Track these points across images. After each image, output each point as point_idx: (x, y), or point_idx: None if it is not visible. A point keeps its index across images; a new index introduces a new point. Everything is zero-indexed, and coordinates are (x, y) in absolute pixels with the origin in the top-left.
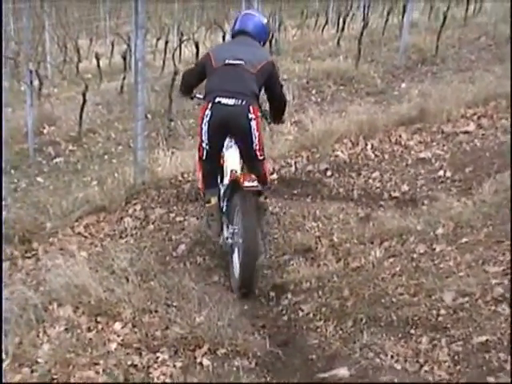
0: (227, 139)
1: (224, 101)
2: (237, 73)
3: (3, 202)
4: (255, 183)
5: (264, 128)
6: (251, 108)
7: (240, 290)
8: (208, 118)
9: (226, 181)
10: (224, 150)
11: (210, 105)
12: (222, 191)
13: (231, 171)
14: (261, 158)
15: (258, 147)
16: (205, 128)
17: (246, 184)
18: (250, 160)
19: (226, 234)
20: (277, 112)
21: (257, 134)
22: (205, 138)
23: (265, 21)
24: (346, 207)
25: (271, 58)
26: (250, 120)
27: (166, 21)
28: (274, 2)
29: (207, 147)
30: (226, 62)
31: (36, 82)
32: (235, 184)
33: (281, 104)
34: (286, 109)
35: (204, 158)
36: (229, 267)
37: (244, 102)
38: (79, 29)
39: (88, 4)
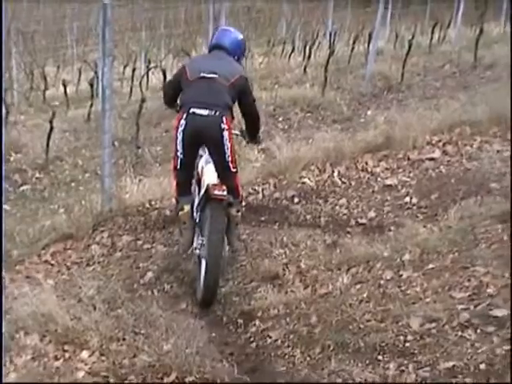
0: (205, 152)
1: (198, 111)
2: (211, 85)
3: None
4: (225, 193)
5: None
6: (224, 119)
7: (202, 301)
8: (182, 128)
9: (202, 192)
10: (203, 163)
11: (184, 115)
12: (196, 202)
13: (207, 185)
14: (233, 170)
15: (230, 159)
16: (179, 137)
17: (216, 193)
18: (223, 171)
19: (195, 244)
20: (252, 128)
21: (229, 145)
22: (179, 147)
23: (240, 37)
24: (314, 234)
25: (244, 73)
26: (223, 130)
27: (133, 48)
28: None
29: (181, 156)
30: (201, 75)
31: (3, 110)
32: (208, 194)
33: (254, 119)
34: (259, 125)
35: (178, 166)
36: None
37: (217, 113)
38: (46, 56)
39: (55, 32)
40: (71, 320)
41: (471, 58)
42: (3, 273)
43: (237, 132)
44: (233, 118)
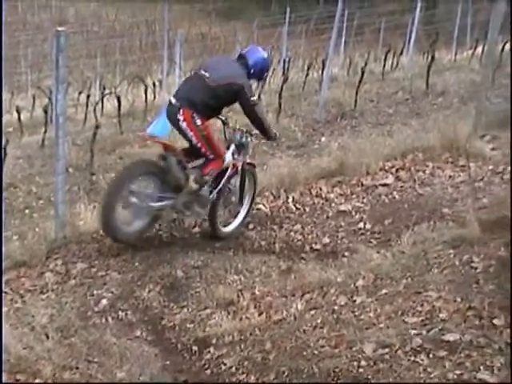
0: None
1: (172, 100)
2: (196, 81)
3: None
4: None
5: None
6: (181, 110)
7: None
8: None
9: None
10: None
11: (167, 104)
12: None
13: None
14: (208, 155)
15: (199, 145)
16: None
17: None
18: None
19: None
20: (257, 128)
21: (191, 133)
22: None
23: (264, 55)
24: (268, 260)
25: (241, 82)
26: (179, 120)
27: (88, 74)
28: (195, 57)
29: None
30: (199, 71)
31: None
32: None
33: (253, 120)
34: (263, 126)
35: None
36: None
37: (178, 104)
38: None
39: (9, 57)
40: (24, 349)
41: (423, 85)
42: None
43: (252, 133)
44: (202, 114)
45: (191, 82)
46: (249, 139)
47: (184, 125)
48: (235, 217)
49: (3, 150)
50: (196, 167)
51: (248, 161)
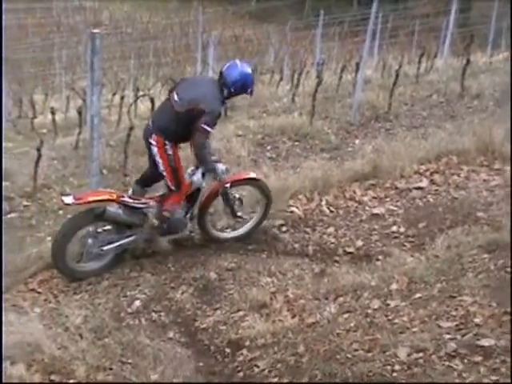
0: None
1: (149, 122)
2: (166, 107)
3: None
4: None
5: None
6: (153, 136)
7: None
8: None
9: None
10: None
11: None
12: None
13: None
14: (170, 184)
15: (165, 173)
16: None
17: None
18: (148, 177)
19: None
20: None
21: (160, 160)
22: None
23: (242, 71)
24: (301, 263)
25: (205, 108)
26: (151, 144)
27: (122, 76)
28: (229, 59)
29: None
30: (172, 94)
31: None
32: None
33: (192, 146)
34: (199, 158)
35: None
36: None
37: (151, 129)
38: (35, 84)
39: (44, 59)
40: (58, 349)
41: (458, 88)
42: None
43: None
44: (174, 141)
45: (164, 106)
46: (220, 164)
47: (155, 150)
48: (244, 224)
49: (38, 152)
50: (155, 203)
51: (251, 176)
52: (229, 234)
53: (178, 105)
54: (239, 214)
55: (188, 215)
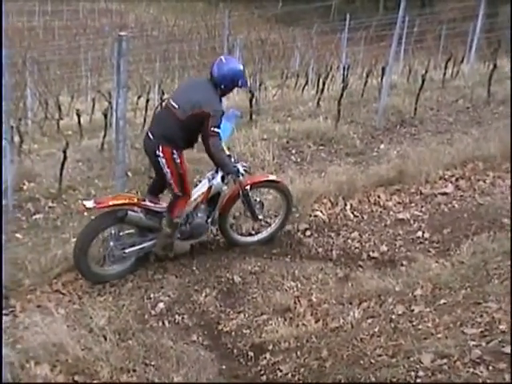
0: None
1: (149, 135)
2: (167, 116)
3: None
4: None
5: None
6: (160, 147)
7: None
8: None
9: None
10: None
11: (145, 135)
12: None
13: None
14: (176, 192)
15: (172, 181)
16: None
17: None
18: (157, 185)
19: None
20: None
21: (168, 170)
22: None
23: (233, 67)
24: (325, 267)
25: (208, 110)
26: (158, 156)
27: (147, 79)
28: (255, 62)
29: None
30: (169, 102)
31: (16, 139)
32: None
33: (206, 151)
34: (215, 161)
35: None
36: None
37: (156, 141)
38: (61, 86)
39: (70, 62)
40: (82, 350)
41: (484, 94)
42: (14, 302)
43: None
44: (182, 148)
45: (164, 116)
46: (238, 165)
47: (163, 161)
48: (265, 228)
49: (64, 154)
50: (165, 211)
51: (270, 178)
52: (250, 238)
53: (180, 112)
54: (260, 217)
55: (209, 219)
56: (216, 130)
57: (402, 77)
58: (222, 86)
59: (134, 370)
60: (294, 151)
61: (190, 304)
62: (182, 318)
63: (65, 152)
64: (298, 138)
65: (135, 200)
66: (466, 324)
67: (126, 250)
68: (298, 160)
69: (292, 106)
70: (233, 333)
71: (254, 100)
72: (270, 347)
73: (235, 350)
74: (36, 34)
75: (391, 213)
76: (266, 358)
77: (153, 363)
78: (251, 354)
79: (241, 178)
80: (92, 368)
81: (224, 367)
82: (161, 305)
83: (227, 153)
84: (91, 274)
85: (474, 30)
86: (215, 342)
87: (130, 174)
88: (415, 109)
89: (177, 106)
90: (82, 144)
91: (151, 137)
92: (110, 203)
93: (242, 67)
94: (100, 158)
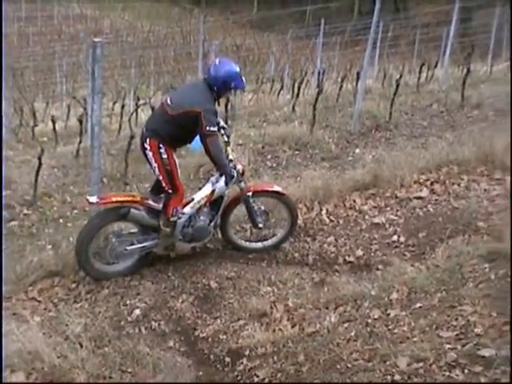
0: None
1: (143, 128)
2: (160, 111)
3: None
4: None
5: None
6: (148, 140)
7: None
8: None
9: None
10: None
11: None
12: None
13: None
14: (167, 189)
15: (161, 178)
16: None
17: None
18: (159, 185)
19: None
20: (209, 159)
21: (156, 165)
22: None
23: (227, 69)
24: (301, 272)
25: (200, 109)
26: (146, 149)
27: (122, 85)
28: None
29: None
30: (165, 100)
31: None
32: None
33: (206, 153)
34: (214, 161)
35: None
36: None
37: (146, 134)
38: (36, 92)
39: (45, 68)
40: (58, 358)
41: (458, 98)
42: None
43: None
44: (169, 143)
45: (158, 111)
46: (239, 167)
47: (150, 154)
48: (270, 238)
49: (39, 161)
50: (160, 211)
51: (275, 189)
52: (251, 245)
53: (171, 108)
54: (260, 225)
55: (212, 223)
56: (212, 128)
57: (377, 81)
58: (215, 88)
59: (111, 377)
60: (269, 156)
61: (167, 310)
62: (159, 324)
63: (40, 159)
64: (274, 143)
65: (138, 198)
66: (442, 327)
67: (128, 248)
68: (274, 165)
69: (267, 111)
70: (209, 338)
71: (229, 105)
72: (247, 352)
73: (212, 356)
74: (11, 41)
75: (367, 217)
76: (242, 363)
77: (129, 370)
78: (228, 359)
79: (242, 183)
80: (68, 375)
81: (201, 373)
82: (137, 311)
83: (230, 157)
84: (93, 270)
85: (447, 34)
86: (192, 348)
87: (105, 180)
88: (390, 113)
89: (170, 103)
90: (57, 150)
91: (144, 130)
92: (113, 199)
93: (236, 69)
94: (75, 164)
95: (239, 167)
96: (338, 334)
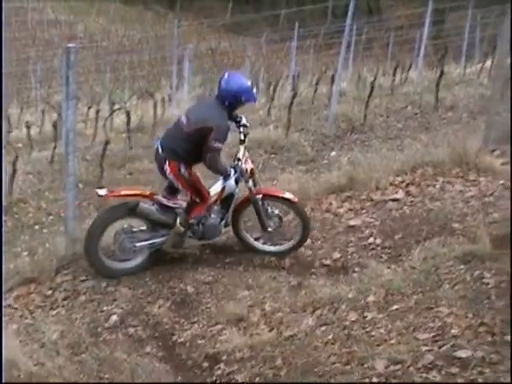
0: None
1: (159, 149)
2: (176, 129)
3: None
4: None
5: None
6: (167, 161)
7: None
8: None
9: None
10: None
11: (156, 146)
12: None
13: None
14: (195, 199)
15: (188, 192)
16: None
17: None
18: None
19: None
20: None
21: (179, 183)
22: None
23: (237, 82)
24: (278, 276)
25: (212, 124)
26: (166, 170)
27: (97, 90)
28: (205, 72)
29: None
30: (179, 117)
31: None
32: None
33: (206, 165)
34: (213, 172)
35: None
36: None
37: (163, 155)
38: (10, 98)
39: (19, 73)
40: (34, 366)
41: (432, 100)
42: None
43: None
44: (189, 162)
45: (173, 130)
46: (246, 166)
47: (171, 176)
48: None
49: (13, 167)
50: (182, 210)
51: (286, 196)
52: (264, 246)
53: (186, 125)
54: (270, 228)
55: (223, 221)
56: (218, 145)
57: (352, 84)
58: (227, 103)
59: None
60: None
61: (144, 316)
62: (136, 330)
63: (14, 165)
64: (250, 146)
65: (147, 193)
66: (419, 329)
67: (137, 244)
68: None
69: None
70: (187, 343)
71: None
72: (225, 357)
73: (190, 361)
74: None
75: (343, 220)
76: (220, 368)
77: (107, 376)
78: (206, 364)
79: (250, 183)
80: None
81: (179, 378)
82: (114, 317)
83: (239, 156)
84: (103, 268)
85: (421, 37)
86: (169, 354)
87: (81, 185)
88: (365, 115)
89: (185, 121)
90: (32, 156)
91: (160, 150)
92: (123, 193)
93: (246, 82)
94: (50, 170)
95: (247, 166)
96: (315, 338)
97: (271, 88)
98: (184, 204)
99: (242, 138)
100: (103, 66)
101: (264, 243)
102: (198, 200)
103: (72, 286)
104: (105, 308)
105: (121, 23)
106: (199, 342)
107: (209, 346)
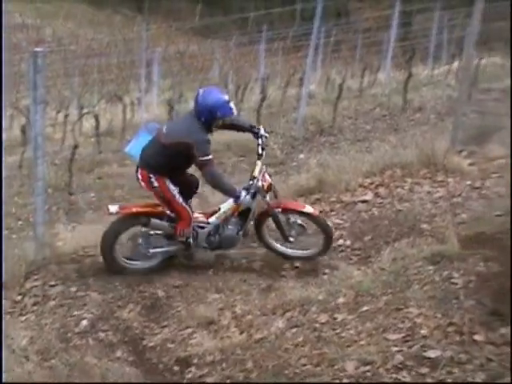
0: None
1: (139, 158)
2: (154, 142)
3: None
4: None
5: None
6: (139, 170)
7: None
8: None
9: None
10: None
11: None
12: None
13: None
14: (169, 213)
15: (161, 205)
16: None
17: None
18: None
19: None
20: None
21: (152, 192)
22: None
23: (210, 99)
24: (248, 278)
25: (192, 139)
26: (138, 179)
27: (65, 94)
28: (174, 75)
29: None
30: (161, 127)
31: None
32: None
33: (208, 183)
34: (219, 189)
35: None
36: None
37: (139, 163)
38: None
39: None
40: (4, 372)
41: (401, 101)
42: None
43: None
44: (159, 173)
45: (154, 138)
46: (261, 184)
47: (143, 184)
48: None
49: None
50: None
51: (306, 210)
52: (292, 251)
53: (165, 136)
54: (291, 238)
55: (241, 232)
56: (205, 158)
57: (320, 86)
58: (203, 119)
59: None
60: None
61: (114, 320)
62: (106, 334)
63: None
64: (219, 149)
65: (159, 209)
66: (388, 330)
67: (151, 250)
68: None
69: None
70: (157, 347)
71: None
72: (196, 361)
73: (160, 365)
74: None
75: None
76: (191, 371)
77: (77, 381)
78: (176, 368)
79: (267, 198)
80: None
81: (150, 382)
82: (84, 322)
83: (255, 174)
84: (117, 266)
85: (388, 39)
86: (140, 358)
87: (49, 190)
88: (333, 118)
89: (164, 132)
90: None
91: (139, 158)
92: (134, 210)
93: (222, 97)
94: (19, 175)
95: (263, 183)
96: (285, 340)
97: (240, 91)
98: (200, 218)
99: (260, 151)
100: (72, 70)
101: (292, 248)
102: (175, 216)
103: (41, 291)
104: (75, 313)
105: (89, 27)
106: (170, 345)
107: (179, 350)
